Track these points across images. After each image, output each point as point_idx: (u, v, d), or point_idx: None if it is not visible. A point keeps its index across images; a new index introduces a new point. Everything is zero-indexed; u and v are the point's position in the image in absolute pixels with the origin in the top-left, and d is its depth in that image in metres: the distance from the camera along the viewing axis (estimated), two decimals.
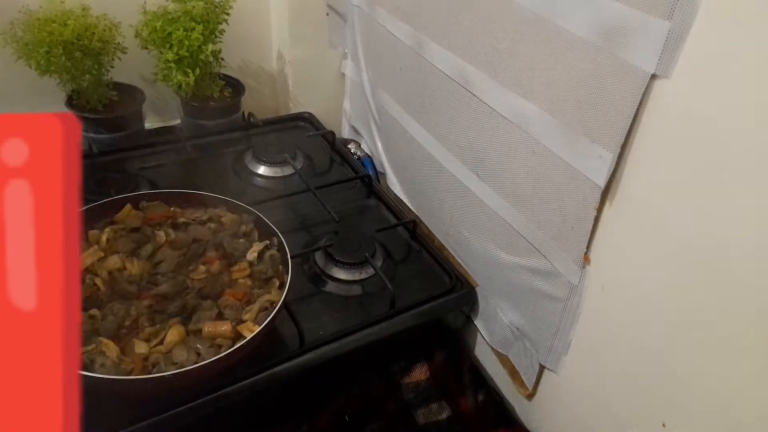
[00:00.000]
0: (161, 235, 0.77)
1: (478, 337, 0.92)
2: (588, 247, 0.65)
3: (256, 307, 0.70)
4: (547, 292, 0.72)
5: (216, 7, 1.02)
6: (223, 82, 1.12)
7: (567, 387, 0.74)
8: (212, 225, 0.80)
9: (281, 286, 0.73)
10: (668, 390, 0.59)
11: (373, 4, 1.00)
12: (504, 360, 0.86)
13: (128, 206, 0.79)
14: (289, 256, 0.75)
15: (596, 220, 0.63)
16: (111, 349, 0.63)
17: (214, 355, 0.63)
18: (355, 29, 1.10)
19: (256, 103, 1.24)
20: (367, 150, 1.19)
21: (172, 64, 0.99)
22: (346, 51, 1.19)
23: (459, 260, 0.93)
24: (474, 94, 0.78)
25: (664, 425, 0.60)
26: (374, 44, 1.04)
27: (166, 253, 0.75)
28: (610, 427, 0.68)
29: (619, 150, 0.57)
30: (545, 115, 0.66)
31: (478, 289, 0.89)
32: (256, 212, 0.80)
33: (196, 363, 0.63)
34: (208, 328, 0.67)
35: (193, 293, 0.71)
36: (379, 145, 1.12)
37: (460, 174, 0.86)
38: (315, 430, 0.74)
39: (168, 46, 0.98)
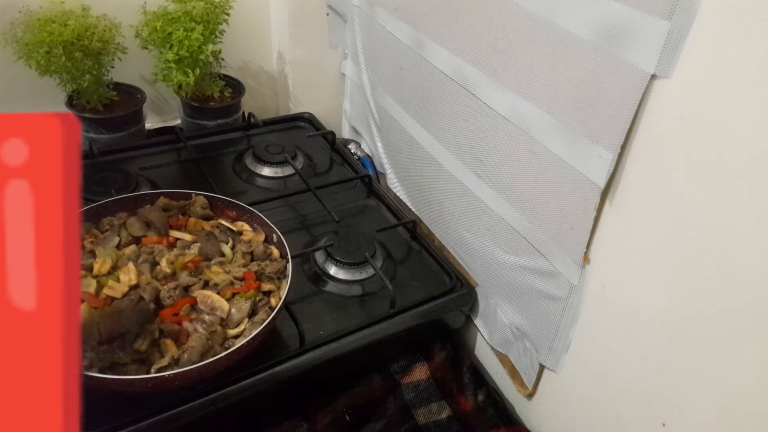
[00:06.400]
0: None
1: (478, 336, 0.92)
2: (588, 246, 0.65)
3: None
4: (547, 292, 0.72)
5: (216, 7, 1.02)
6: (224, 83, 1.12)
7: (567, 387, 0.74)
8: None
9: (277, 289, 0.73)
10: (668, 390, 0.59)
11: (373, 4, 1.00)
12: (504, 360, 0.86)
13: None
14: (289, 256, 0.75)
15: (596, 220, 0.63)
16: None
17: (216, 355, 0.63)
18: (355, 29, 1.10)
19: (256, 104, 1.24)
20: (367, 150, 1.19)
21: (172, 65, 0.99)
22: (346, 51, 1.19)
23: (459, 260, 0.93)
24: (474, 94, 0.78)
25: (664, 425, 0.60)
26: (374, 44, 1.04)
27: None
28: (610, 427, 0.68)
29: (619, 150, 0.57)
30: (545, 115, 0.66)
31: (478, 289, 0.89)
32: (257, 212, 0.80)
33: (196, 363, 0.63)
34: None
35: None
36: (379, 145, 1.12)
37: (460, 174, 0.86)
38: (315, 430, 0.74)
39: (168, 46, 0.98)
